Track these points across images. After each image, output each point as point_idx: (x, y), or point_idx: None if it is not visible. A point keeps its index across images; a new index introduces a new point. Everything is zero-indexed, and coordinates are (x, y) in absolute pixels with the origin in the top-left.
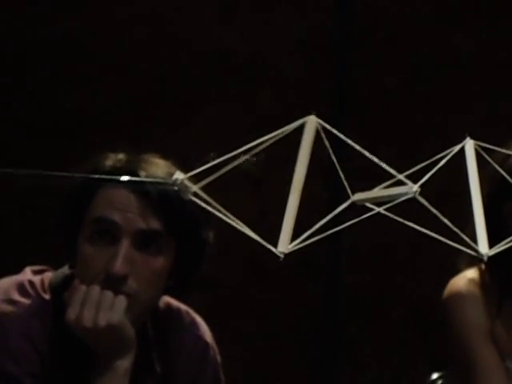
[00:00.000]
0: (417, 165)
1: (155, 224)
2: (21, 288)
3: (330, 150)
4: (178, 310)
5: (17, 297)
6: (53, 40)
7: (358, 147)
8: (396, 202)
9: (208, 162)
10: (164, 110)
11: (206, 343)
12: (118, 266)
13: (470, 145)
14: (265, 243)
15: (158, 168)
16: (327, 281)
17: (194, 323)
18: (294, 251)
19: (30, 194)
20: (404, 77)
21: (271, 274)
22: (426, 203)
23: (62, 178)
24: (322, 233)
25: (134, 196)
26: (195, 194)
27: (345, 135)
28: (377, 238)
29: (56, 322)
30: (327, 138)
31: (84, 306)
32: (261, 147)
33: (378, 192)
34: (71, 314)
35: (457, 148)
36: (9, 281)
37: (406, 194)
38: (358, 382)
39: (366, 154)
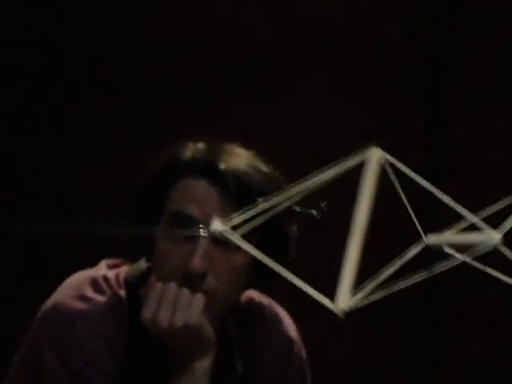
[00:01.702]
0: None
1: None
2: (94, 284)
3: (399, 189)
4: (261, 305)
5: (90, 293)
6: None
7: (428, 186)
8: (477, 253)
9: (257, 205)
10: (263, 83)
11: (291, 339)
12: (197, 262)
13: None
14: (322, 300)
15: (239, 159)
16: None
17: (277, 318)
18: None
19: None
20: (507, 43)
21: (368, 247)
22: (510, 255)
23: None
24: (390, 280)
25: (213, 190)
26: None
27: (446, 108)
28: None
29: (132, 320)
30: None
31: (160, 304)
32: (317, 186)
33: (453, 236)
34: (146, 313)
35: None
36: (82, 276)
37: (485, 245)
38: (457, 355)
39: (446, 199)
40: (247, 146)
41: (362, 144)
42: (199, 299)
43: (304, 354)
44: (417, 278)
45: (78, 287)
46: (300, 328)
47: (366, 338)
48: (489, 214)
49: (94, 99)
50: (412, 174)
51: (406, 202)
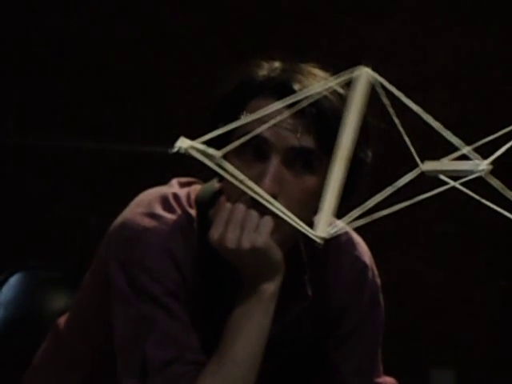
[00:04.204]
0: None
1: (308, 142)
2: (164, 202)
3: (391, 110)
4: None
5: (159, 211)
6: None
7: (416, 108)
8: (466, 178)
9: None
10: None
11: (364, 264)
12: (267, 184)
13: None
14: (303, 228)
15: (314, 80)
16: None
17: (351, 242)
18: None
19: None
20: None
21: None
22: (496, 184)
23: None
24: (385, 206)
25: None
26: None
27: None
28: None
29: (200, 240)
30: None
31: (228, 225)
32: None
33: (447, 164)
34: (214, 233)
35: None
36: (153, 193)
37: (471, 172)
38: None
39: (429, 120)
40: (352, 62)
41: (470, 69)
42: (267, 222)
43: (378, 281)
44: (400, 205)
45: (147, 204)
46: (400, 254)
47: (466, 266)
48: (481, 143)
49: None
50: (403, 97)
51: (399, 126)
